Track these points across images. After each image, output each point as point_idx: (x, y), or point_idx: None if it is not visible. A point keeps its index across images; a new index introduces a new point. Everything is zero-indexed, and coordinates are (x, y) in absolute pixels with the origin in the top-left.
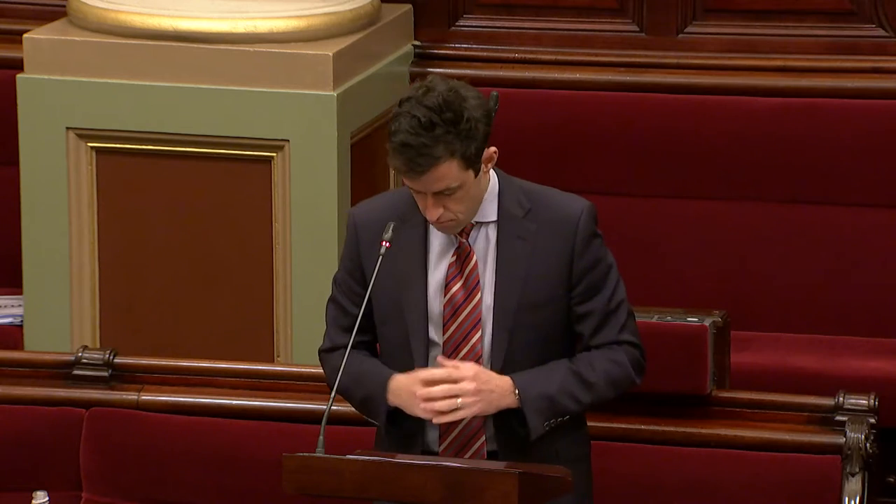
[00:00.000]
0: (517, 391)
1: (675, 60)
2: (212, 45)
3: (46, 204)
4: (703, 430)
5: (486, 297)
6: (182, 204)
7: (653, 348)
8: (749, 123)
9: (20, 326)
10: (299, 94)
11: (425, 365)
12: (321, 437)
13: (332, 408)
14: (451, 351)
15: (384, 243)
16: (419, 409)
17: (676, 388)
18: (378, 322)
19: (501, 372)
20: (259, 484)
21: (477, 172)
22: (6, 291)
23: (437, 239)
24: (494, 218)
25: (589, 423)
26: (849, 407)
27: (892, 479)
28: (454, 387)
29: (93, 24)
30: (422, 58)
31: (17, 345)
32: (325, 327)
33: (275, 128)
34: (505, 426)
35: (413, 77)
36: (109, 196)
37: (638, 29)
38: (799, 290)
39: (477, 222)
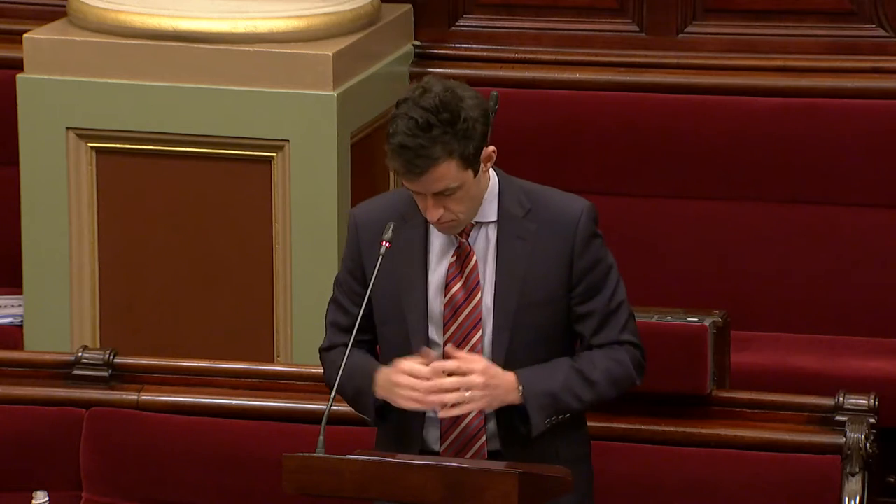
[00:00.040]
0: (521, 387)
1: (675, 60)
2: (212, 45)
3: (46, 204)
4: (703, 430)
5: (486, 297)
6: (182, 204)
7: (653, 348)
8: (749, 123)
9: (20, 326)
10: (299, 94)
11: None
12: (321, 437)
13: (332, 408)
14: None
15: (384, 243)
16: (401, 399)
17: (676, 388)
18: (378, 322)
19: None
20: (259, 484)
21: (476, 172)
22: (6, 291)
23: (437, 239)
24: (494, 218)
25: (589, 423)
26: (849, 407)
27: (892, 479)
28: (464, 379)
29: (93, 24)
30: (422, 58)
31: (17, 345)
32: (325, 327)
33: (275, 128)
34: (505, 426)
35: (413, 77)
36: (109, 196)
37: (638, 29)
38: (799, 290)
39: (477, 222)
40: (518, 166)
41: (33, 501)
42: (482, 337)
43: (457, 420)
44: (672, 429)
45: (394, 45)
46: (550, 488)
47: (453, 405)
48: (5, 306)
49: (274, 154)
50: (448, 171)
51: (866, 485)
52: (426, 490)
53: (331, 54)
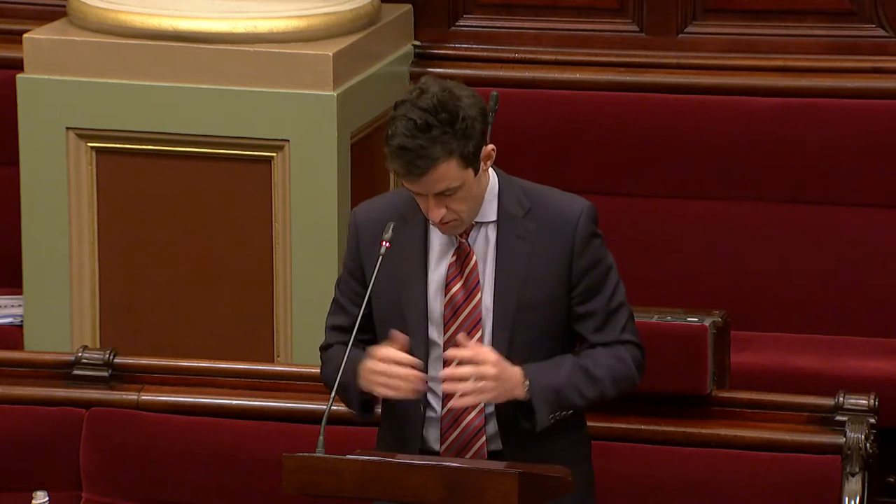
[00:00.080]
0: (527, 382)
1: (675, 60)
2: (212, 45)
3: (46, 204)
4: (703, 430)
5: (486, 297)
6: (182, 204)
7: (653, 348)
8: (749, 123)
9: (20, 326)
10: (299, 94)
11: (426, 365)
12: (321, 437)
13: (332, 408)
14: None
15: (384, 243)
16: (376, 387)
17: (676, 388)
18: (378, 322)
19: None
20: (259, 484)
21: (476, 171)
22: (6, 291)
23: (437, 239)
24: (494, 218)
25: (589, 423)
26: (849, 407)
27: (892, 479)
28: (478, 369)
29: (93, 24)
30: (422, 58)
31: (17, 345)
32: (325, 328)
33: (275, 128)
34: (505, 427)
35: (413, 77)
36: (109, 196)
37: (638, 29)
38: (799, 290)
39: (477, 222)
40: (518, 166)
41: (33, 501)
42: (482, 337)
43: (457, 420)
44: (672, 429)
45: (394, 45)
46: (550, 488)
47: (462, 395)
48: (5, 306)
49: (274, 154)
50: (448, 171)
51: (866, 485)
52: (426, 490)
53: (331, 54)
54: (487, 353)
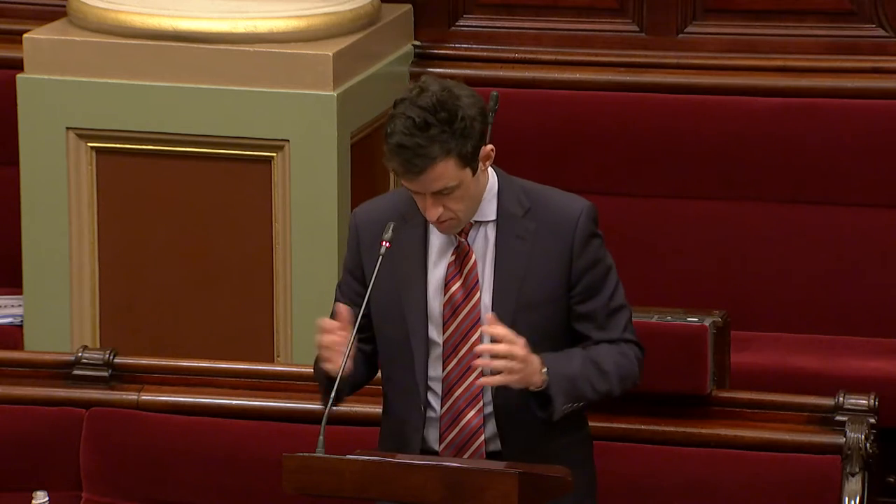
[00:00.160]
0: (544, 369)
1: (675, 60)
2: (212, 45)
3: (46, 204)
4: (703, 430)
5: (485, 296)
6: (182, 204)
7: (653, 348)
8: (749, 123)
9: (20, 326)
10: (299, 94)
11: (425, 365)
12: (321, 437)
13: (332, 408)
14: (451, 351)
15: (384, 243)
16: (321, 361)
17: (676, 388)
18: (378, 322)
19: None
20: (259, 484)
21: (475, 171)
22: (6, 291)
23: (436, 238)
24: (493, 217)
25: (589, 423)
26: (849, 407)
27: (892, 479)
28: (511, 348)
29: (93, 24)
30: (422, 58)
31: (17, 345)
32: None
33: (275, 128)
34: (504, 427)
35: (413, 77)
36: (109, 196)
37: (638, 29)
38: (799, 290)
39: (476, 221)
40: (518, 166)
41: (33, 501)
42: (481, 336)
43: (455, 420)
44: (672, 429)
45: (394, 45)
46: (550, 488)
47: (490, 374)
48: (5, 306)
49: (274, 154)
50: (446, 170)
51: (866, 485)
52: (426, 490)
53: (331, 54)
54: (516, 336)
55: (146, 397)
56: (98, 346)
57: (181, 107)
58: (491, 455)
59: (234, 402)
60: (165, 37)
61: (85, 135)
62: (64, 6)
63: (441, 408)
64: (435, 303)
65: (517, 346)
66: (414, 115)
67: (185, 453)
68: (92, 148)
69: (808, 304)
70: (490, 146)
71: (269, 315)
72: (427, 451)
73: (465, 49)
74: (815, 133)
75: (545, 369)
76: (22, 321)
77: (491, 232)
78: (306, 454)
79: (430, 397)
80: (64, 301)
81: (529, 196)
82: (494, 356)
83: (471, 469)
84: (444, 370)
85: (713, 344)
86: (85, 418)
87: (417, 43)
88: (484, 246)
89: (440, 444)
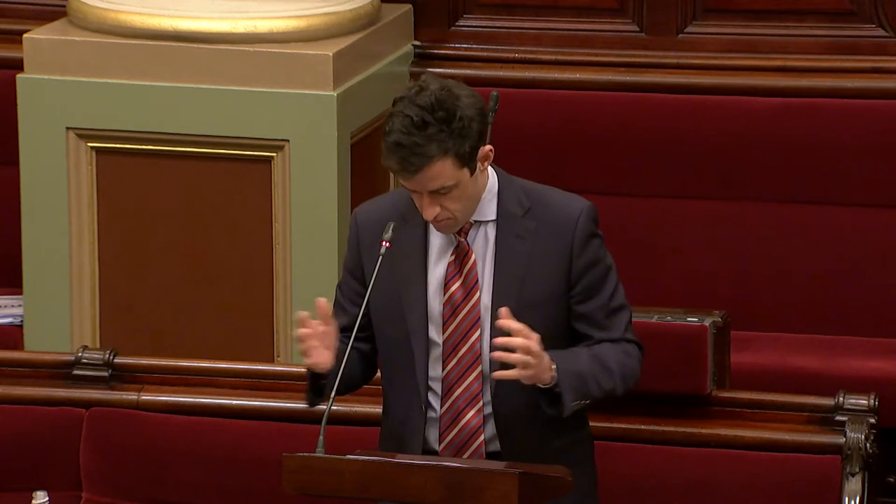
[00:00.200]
0: (554, 366)
1: (675, 60)
2: (212, 45)
3: (46, 204)
4: (703, 430)
5: (485, 296)
6: (182, 204)
7: (653, 348)
8: (749, 123)
9: (20, 326)
10: (299, 94)
11: (425, 365)
12: (321, 437)
13: (332, 408)
14: (451, 351)
15: (384, 243)
16: (301, 355)
17: (676, 388)
18: (378, 322)
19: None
20: (259, 484)
21: (473, 171)
22: (6, 291)
23: (436, 238)
24: (493, 217)
25: (589, 424)
26: (849, 407)
27: (892, 479)
28: (528, 343)
29: (93, 24)
30: (422, 58)
31: (17, 345)
32: None
33: (275, 128)
34: (504, 428)
35: (413, 77)
36: (109, 196)
37: (638, 29)
38: (799, 290)
39: (476, 221)
40: (518, 166)
41: (33, 501)
42: (481, 336)
43: (455, 419)
44: (672, 429)
45: (394, 45)
46: (550, 488)
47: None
48: (5, 306)
49: (274, 154)
50: (443, 170)
51: (866, 485)
52: (426, 490)
53: (331, 54)
54: (529, 331)
55: (146, 397)
56: (98, 346)
57: (181, 107)
58: (491, 455)
59: (234, 402)
60: (165, 37)
61: (85, 135)
62: (64, 6)
63: (441, 408)
64: (435, 303)
65: (532, 341)
66: (412, 114)
67: (185, 453)
68: (92, 148)
69: (808, 304)
70: (489, 146)
71: (269, 315)
72: (427, 451)
73: (465, 49)
74: (815, 133)
75: (554, 366)
76: (22, 321)
77: (491, 232)
78: (306, 454)
79: (430, 397)
80: (64, 301)
81: (529, 196)
82: (511, 350)
83: (471, 469)
84: (443, 370)
85: (713, 344)
86: (85, 418)
87: (417, 43)
88: (484, 246)
89: (440, 444)
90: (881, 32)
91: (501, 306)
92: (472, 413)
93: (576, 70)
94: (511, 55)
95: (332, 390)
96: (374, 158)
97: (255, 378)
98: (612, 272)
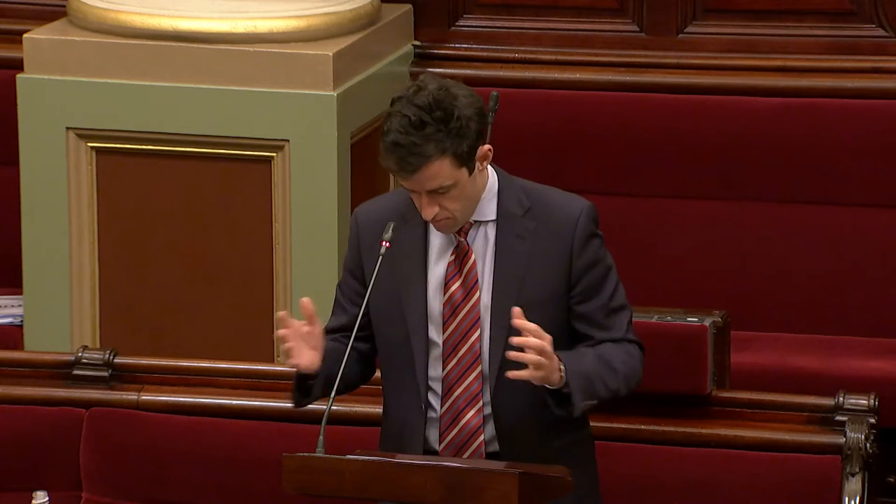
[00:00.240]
0: (562, 366)
1: (675, 60)
2: (212, 45)
3: (46, 204)
4: (703, 430)
5: (485, 295)
6: (182, 204)
7: (653, 348)
8: (749, 123)
9: (20, 326)
10: (299, 94)
11: (425, 365)
12: (321, 437)
13: (332, 408)
14: (451, 350)
15: (384, 243)
16: (283, 355)
17: (676, 388)
18: (378, 322)
19: (499, 372)
20: (259, 484)
21: (471, 171)
22: (6, 291)
23: (436, 238)
24: (493, 217)
25: (590, 423)
26: (849, 407)
27: (892, 479)
28: (543, 343)
29: (93, 24)
30: (422, 58)
31: (17, 345)
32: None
33: (275, 128)
34: (503, 429)
35: (413, 77)
36: (109, 196)
37: (638, 29)
38: (799, 290)
39: (476, 221)
40: (518, 166)
41: (33, 501)
42: (481, 336)
43: (455, 419)
44: (672, 429)
45: (394, 45)
46: (550, 488)
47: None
48: (5, 306)
49: (274, 154)
50: (441, 170)
51: (866, 485)
52: (426, 490)
53: (331, 54)
54: (543, 332)
55: (146, 397)
56: (98, 346)
57: (181, 107)
58: (491, 455)
59: (234, 402)
60: (165, 37)
61: (85, 135)
62: (64, 6)
63: (441, 408)
64: (435, 303)
65: (546, 341)
66: (410, 114)
67: (185, 453)
68: (92, 148)
69: (808, 304)
70: (487, 146)
71: (269, 315)
72: (428, 451)
73: (465, 49)
74: (815, 133)
75: (562, 366)
76: (22, 321)
77: (491, 231)
78: (306, 454)
79: (430, 397)
80: (64, 301)
81: (529, 196)
82: (528, 350)
83: (471, 469)
84: (443, 370)
85: (713, 344)
86: (85, 418)
87: (417, 43)
88: (484, 245)
89: (440, 444)
90: (881, 32)
91: (502, 306)
92: (472, 413)
93: (576, 70)
94: (511, 55)
95: (332, 390)
96: (374, 158)
97: (255, 378)
98: (612, 272)
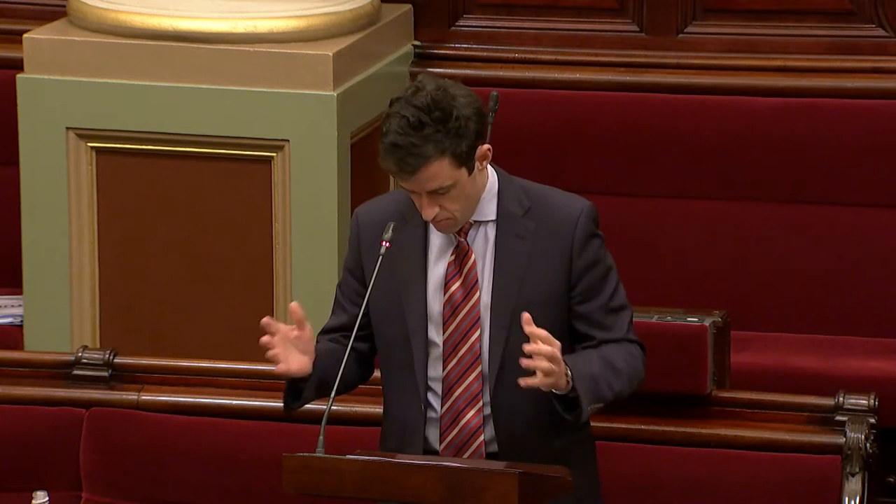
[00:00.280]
0: (569, 372)
1: (675, 60)
2: (212, 45)
3: (46, 204)
4: (703, 430)
5: (485, 296)
6: (182, 204)
7: (653, 348)
8: (749, 123)
9: (20, 326)
10: (299, 94)
11: (425, 365)
12: (321, 437)
13: (332, 408)
14: (451, 350)
15: (384, 243)
16: (270, 360)
17: (676, 388)
18: (378, 322)
19: (499, 372)
20: (259, 484)
21: (470, 171)
22: (6, 291)
23: (437, 238)
24: (493, 217)
25: (590, 423)
26: (849, 407)
27: (892, 479)
28: (554, 350)
29: (93, 24)
30: (422, 58)
31: (17, 345)
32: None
33: (275, 128)
34: (503, 430)
35: (413, 77)
36: (109, 196)
37: (638, 29)
38: (799, 290)
39: (476, 221)
40: (518, 166)
41: (33, 501)
42: (481, 336)
43: (455, 419)
44: (672, 429)
45: (394, 45)
46: (550, 488)
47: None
48: (5, 306)
49: (274, 154)
50: (440, 170)
51: (866, 485)
52: (426, 490)
53: (331, 54)
54: (553, 338)
55: (146, 397)
56: (98, 346)
57: (181, 107)
58: (491, 455)
59: (234, 402)
60: (165, 37)
61: (85, 135)
62: (64, 6)
63: (441, 408)
64: (435, 303)
65: (555, 348)
66: (408, 115)
67: (185, 453)
68: (92, 148)
69: (808, 304)
70: (487, 146)
71: (269, 315)
72: (428, 451)
73: (465, 49)
74: (815, 133)
75: (568, 371)
76: (22, 321)
77: (491, 231)
78: (306, 454)
79: (430, 397)
80: (64, 301)
81: (530, 196)
82: (537, 357)
83: (471, 469)
84: (443, 370)
85: (713, 344)
86: (85, 418)
87: (417, 43)
88: (484, 245)
89: (440, 444)
90: (881, 32)
91: (502, 306)
92: (472, 413)
93: (576, 70)
94: (511, 55)
95: (330, 391)
96: (374, 158)
97: (255, 378)
98: (612, 272)
